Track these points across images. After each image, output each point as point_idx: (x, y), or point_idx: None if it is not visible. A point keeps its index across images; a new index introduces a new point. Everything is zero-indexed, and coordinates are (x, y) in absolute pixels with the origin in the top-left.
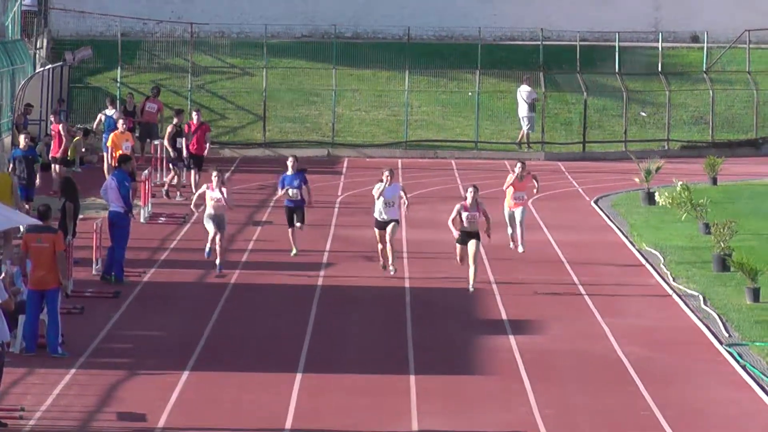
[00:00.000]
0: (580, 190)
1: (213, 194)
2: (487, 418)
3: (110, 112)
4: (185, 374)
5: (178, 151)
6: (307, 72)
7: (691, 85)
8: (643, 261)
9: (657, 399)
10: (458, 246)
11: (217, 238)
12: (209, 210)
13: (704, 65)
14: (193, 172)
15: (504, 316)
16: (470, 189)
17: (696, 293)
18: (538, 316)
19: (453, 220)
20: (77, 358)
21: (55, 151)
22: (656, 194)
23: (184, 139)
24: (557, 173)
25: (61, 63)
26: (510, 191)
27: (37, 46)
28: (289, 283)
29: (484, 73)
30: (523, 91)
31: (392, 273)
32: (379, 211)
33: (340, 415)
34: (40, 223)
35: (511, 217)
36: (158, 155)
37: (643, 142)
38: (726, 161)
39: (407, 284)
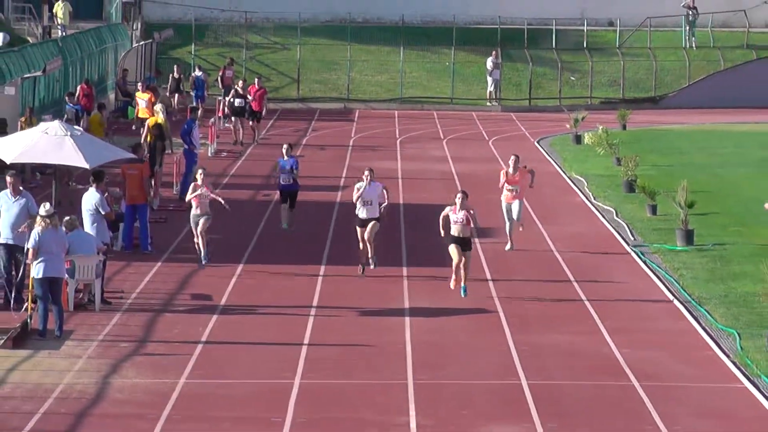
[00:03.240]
0: (526, 133)
1: (201, 191)
2: (458, 300)
3: (198, 73)
4: (240, 266)
5: (236, 109)
6: (329, 47)
7: (607, 57)
8: (572, 185)
9: (583, 288)
10: (452, 246)
11: (201, 236)
12: (194, 210)
13: (617, 43)
14: (252, 123)
15: (471, 224)
16: (459, 195)
17: (610, 208)
18: (495, 224)
19: (443, 217)
20: (162, 255)
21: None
22: (584, 136)
23: (241, 99)
24: (510, 121)
25: (150, 41)
26: (506, 184)
27: (133, 27)
28: (316, 200)
29: (458, 49)
30: (489, 61)
31: (372, 267)
32: (359, 209)
33: (352, 296)
34: (134, 156)
35: (509, 210)
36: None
37: (572, 99)
38: (633, 113)
39: (401, 201)
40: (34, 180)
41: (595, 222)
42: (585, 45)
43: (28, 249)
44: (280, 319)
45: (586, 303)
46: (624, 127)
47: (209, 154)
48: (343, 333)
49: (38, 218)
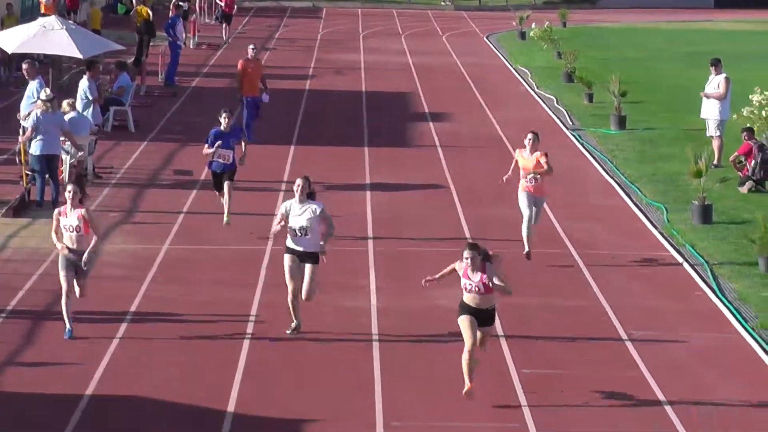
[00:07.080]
0: (477, 30)
1: (68, 220)
2: (414, 175)
3: None
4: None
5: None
6: None
7: None
8: (517, 75)
9: None
10: (464, 319)
11: (76, 291)
12: (64, 250)
13: None
14: (224, 24)
15: (426, 110)
16: (466, 252)
17: (551, 96)
18: (448, 110)
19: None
20: (147, 134)
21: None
22: (529, 31)
23: (185, 1)
24: (462, 19)
25: None
26: (521, 170)
27: None
28: (285, 88)
29: None
30: None
31: (290, 333)
32: (289, 240)
33: (321, 170)
34: (121, 47)
35: (528, 205)
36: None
37: None
38: (572, 12)
39: (363, 88)
40: None
41: (537, 108)
42: None
43: (26, 128)
44: (254, 193)
45: None
46: (564, 25)
47: (191, 46)
48: None
49: (39, 102)
